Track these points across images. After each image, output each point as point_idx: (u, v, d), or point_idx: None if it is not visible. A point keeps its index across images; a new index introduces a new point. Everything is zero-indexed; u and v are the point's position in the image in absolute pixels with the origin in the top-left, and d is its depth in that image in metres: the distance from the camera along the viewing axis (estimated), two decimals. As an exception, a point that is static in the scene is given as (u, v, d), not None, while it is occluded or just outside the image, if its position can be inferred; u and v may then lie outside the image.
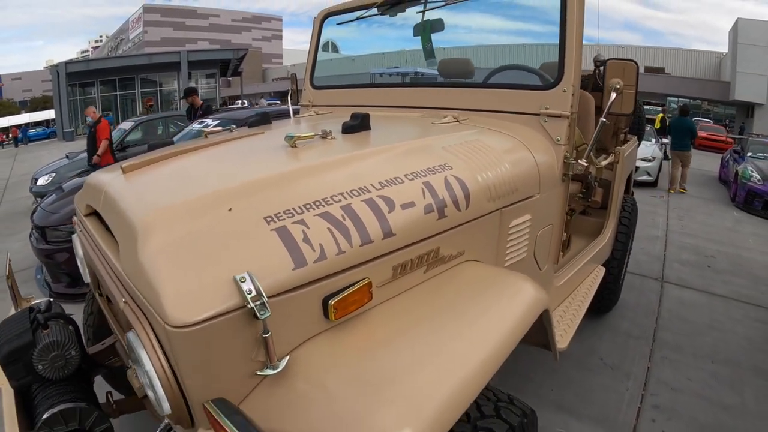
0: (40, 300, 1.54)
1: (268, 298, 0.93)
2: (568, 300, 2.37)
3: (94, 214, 1.57)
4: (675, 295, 4.30)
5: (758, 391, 2.92)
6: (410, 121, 2.12)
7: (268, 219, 1.08)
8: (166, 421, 1.30)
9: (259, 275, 0.95)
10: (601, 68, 3.55)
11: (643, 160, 9.45)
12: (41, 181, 7.25)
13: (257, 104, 23.32)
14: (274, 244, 1.04)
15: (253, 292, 0.92)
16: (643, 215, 7.20)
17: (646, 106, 24.26)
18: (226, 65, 30.22)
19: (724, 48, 32.71)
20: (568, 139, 1.86)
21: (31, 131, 33.65)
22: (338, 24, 2.69)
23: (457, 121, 1.95)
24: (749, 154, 10.22)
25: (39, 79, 67.54)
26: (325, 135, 1.63)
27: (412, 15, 2.45)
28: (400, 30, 2.58)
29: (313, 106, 2.79)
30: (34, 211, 5.91)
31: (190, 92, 7.42)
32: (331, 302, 1.07)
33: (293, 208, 1.12)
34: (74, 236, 1.79)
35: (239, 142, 1.75)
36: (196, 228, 1.05)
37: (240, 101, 30.86)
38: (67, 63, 26.87)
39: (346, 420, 0.90)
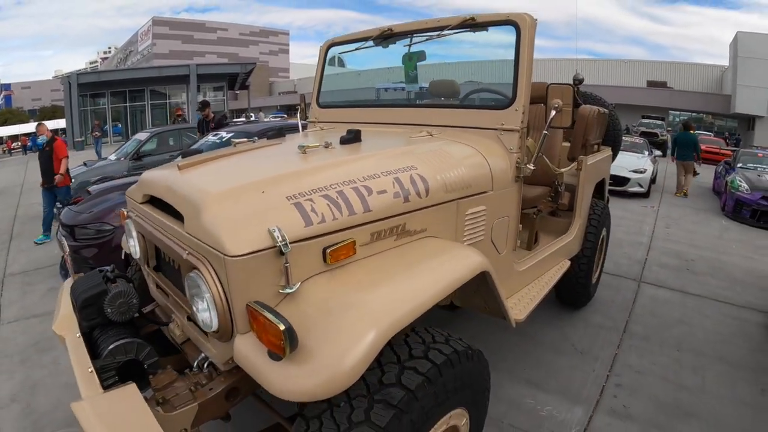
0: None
1: (288, 243, 1.41)
2: (533, 284, 2.81)
3: (149, 201, 2.01)
4: (650, 293, 4.64)
5: (718, 376, 3.25)
6: (393, 135, 2.60)
7: (288, 197, 1.58)
8: (203, 354, 1.70)
9: (283, 229, 1.44)
10: (579, 86, 3.97)
11: (635, 171, 9.84)
12: (60, 187, 7.63)
13: (255, 118, 24.11)
14: (292, 212, 1.54)
15: (280, 238, 1.41)
16: (631, 223, 7.59)
17: (645, 120, 24.69)
18: (234, 78, 30.87)
19: (726, 61, 33.04)
20: (519, 148, 2.34)
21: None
22: (340, 53, 3.21)
23: (431, 135, 2.44)
24: (739, 164, 10.56)
25: (48, 89, 68.69)
26: (327, 145, 2.12)
27: (400, 47, 2.98)
28: (391, 54, 3.06)
29: (318, 122, 3.30)
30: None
31: (205, 105, 7.91)
32: (328, 251, 1.56)
33: (305, 191, 1.63)
34: (127, 221, 2.18)
35: (264, 149, 2.28)
36: (241, 203, 1.53)
37: (245, 115, 31.46)
38: (79, 74, 27.62)
39: (333, 326, 1.36)
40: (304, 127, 3.33)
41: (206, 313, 1.49)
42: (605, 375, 3.17)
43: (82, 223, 4.39)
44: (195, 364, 1.76)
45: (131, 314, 1.78)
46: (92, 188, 5.12)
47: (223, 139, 5.42)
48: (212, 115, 7.81)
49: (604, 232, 4.03)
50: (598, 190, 4.06)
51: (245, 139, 2.43)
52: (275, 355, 1.32)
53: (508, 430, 2.61)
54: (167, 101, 30.18)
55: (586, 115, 3.36)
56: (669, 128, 27.61)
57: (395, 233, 1.82)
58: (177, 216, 1.69)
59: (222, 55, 64.45)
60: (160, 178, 1.94)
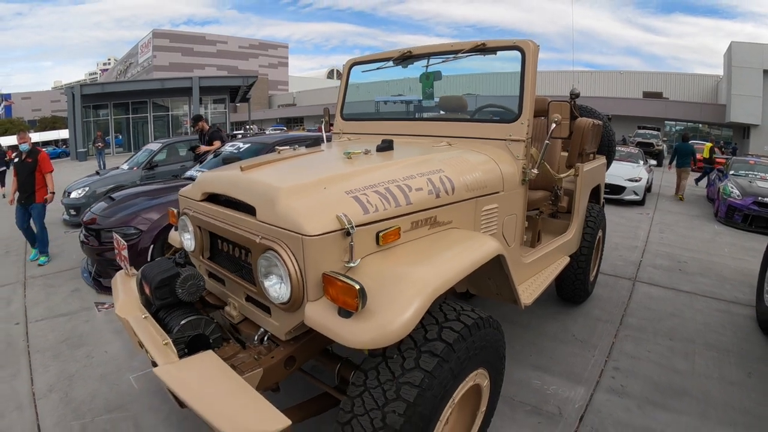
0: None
1: (354, 226, 1.73)
2: (537, 275, 3.13)
3: (208, 199, 2.30)
4: (644, 291, 4.92)
5: (708, 360, 3.53)
6: (419, 145, 2.93)
7: (347, 192, 1.91)
8: (262, 329, 1.97)
9: (349, 215, 1.76)
10: (575, 99, 4.28)
11: (631, 180, 10.15)
12: (74, 195, 7.87)
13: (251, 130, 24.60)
14: (352, 204, 1.86)
15: (347, 222, 1.73)
16: (627, 229, 7.88)
17: (641, 130, 25.08)
18: (236, 91, 31.19)
19: (722, 71, 33.50)
20: (525, 155, 2.71)
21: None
22: (363, 72, 3.53)
23: (450, 144, 2.83)
24: (731, 172, 10.88)
25: (48, 99, 68.93)
26: (367, 152, 2.48)
27: (418, 66, 3.32)
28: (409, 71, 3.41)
29: (343, 133, 3.64)
30: (68, 215, 6.92)
31: (198, 120, 8.13)
32: (381, 235, 1.89)
33: (359, 187, 1.96)
34: (182, 218, 2.42)
35: (311, 155, 2.64)
36: (309, 196, 1.85)
37: (244, 128, 31.73)
38: (83, 85, 27.85)
39: (388, 292, 1.66)
40: (329, 139, 3.63)
41: (278, 287, 1.79)
42: (604, 360, 3.44)
43: (109, 227, 4.64)
44: (255, 337, 2.03)
45: (199, 294, 2.06)
46: (116, 195, 5.38)
47: (241, 150, 5.69)
48: (207, 127, 7.98)
49: (600, 233, 4.33)
50: (594, 194, 4.37)
51: (287, 147, 2.72)
52: (346, 312, 1.61)
53: (519, 405, 2.88)
54: (169, 113, 30.45)
55: (583, 127, 3.69)
56: (665, 138, 28.05)
57: (429, 223, 2.15)
58: (242, 209, 1.99)
59: (221, 68, 64.94)
60: (224, 178, 2.24)
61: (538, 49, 2.70)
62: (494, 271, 2.29)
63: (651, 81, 38.15)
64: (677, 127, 35.04)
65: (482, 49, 2.87)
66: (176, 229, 2.70)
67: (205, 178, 2.38)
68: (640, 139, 22.48)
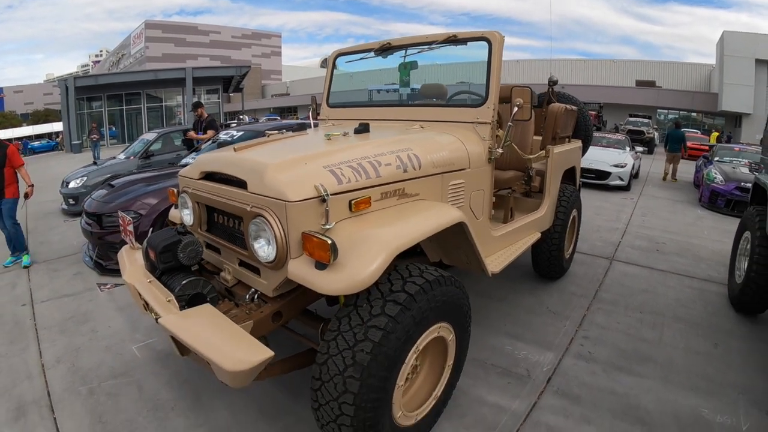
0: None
1: (329, 194, 1.99)
2: (507, 248, 3.39)
3: (205, 177, 2.54)
4: (620, 269, 5.18)
5: (675, 332, 3.77)
6: (394, 128, 3.19)
7: (324, 166, 2.17)
8: (253, 289, 2.22)
9: (324, 185, 2.01)
10: (553, 87, 4.51)
11: (616, 166, 10.41)
12: (72, 184, 8.07)
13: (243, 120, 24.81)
14: (329, 176, 2.12)
15: (323, 191, 1.99)
16: (610, 213, 8.14)
17: (632, 118, 25.36)
18: (229, 81, 31.19)
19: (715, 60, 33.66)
20: (491, 136, 2.98)
21: (35, 143, 34.18)
22: (346, 62, 3.80)
23: (422, 127, 3.10)
24: (716, 158, 11.13)
25: (41, 92, 68.31)
26: (345, 134, 2.76)
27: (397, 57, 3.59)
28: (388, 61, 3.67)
29: (329, 119, 3.88)
30: (66, 205, 6.95)
31: (198, 106, 8.34)
32: (352, 203, 2.15)
33: (335, 163, 2.22)
34: (182, 195, 2.67)
35: (296, 138, 2.89)
36: (292, 170, 2.12)
37: (238, 117, 31.76)
38: (76, 77, 27.84)
39: (357, 249, 1.91)
40: (316, 125, 3.91)
41: (266, 248, 2.06)
42: (574, 330, 3.70)
43: (110, 211, 4.86)
44: (247, 296, 2.29)
45: (197, 259, 2.33)
46: (115, 182, 5.60)
47: (234, 137, 5.93)
48: (206, 115, 8.24)
49: (574, 213, 4.57)
50: (570, 176, 4.60)
51: (276, 131, 2.94)
52: (321, 265, 1.87)
53: (491, 368, 3.14)
54: (163, 104, 30.48)
55: (555, 112, 3.94)
56: (656, 126, 28.28)
57: (397, 194, 2.42)
58: (235, 184, 2.24)
59: (215, 58, 64.63)
60: (220, 158, 2.51)
61: (503, 40, 2.95)
62: (461, 241, 2.54)
63: (644, 70, 38.26)
64: (670, 116, 35.31)
65: (454, 41, 3.13)
66: (176, 207, 2.95)
67: (203, 158, 2.62)
68: (631, 127, 22.73)
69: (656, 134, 25.91)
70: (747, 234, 4.38)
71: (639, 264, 5.37)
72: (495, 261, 3.07)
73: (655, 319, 3.97)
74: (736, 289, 4.24)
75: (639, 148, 13.00)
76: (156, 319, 2.09)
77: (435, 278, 2.08)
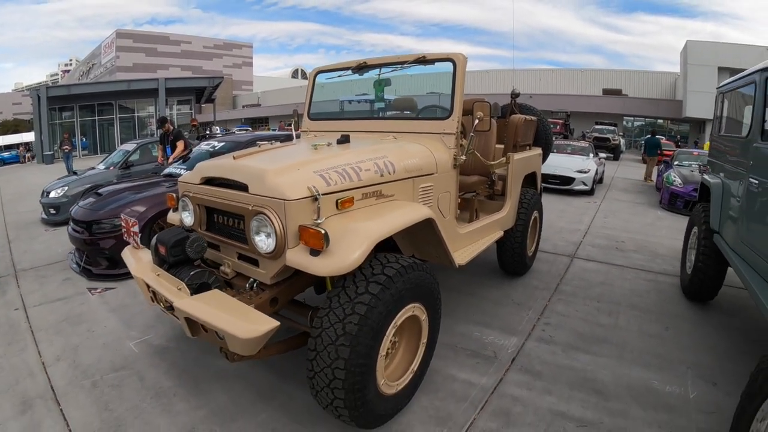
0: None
1: (320, 194, 2.33)
2: (473, 245, 3.79)
3: (206, 183, 2.84)
4: (580, 265, 5.62)
5: (629, 317, 4.18)
6: (370, 138, 3.55)
7: (315, 171, 2.51)
8: (252, 279, 2.53)
9: (315, 188, 2.34)
10: (516, 99, 4.95)
11: (580, 172, 10.99)
12: (53, 194, 8.17)
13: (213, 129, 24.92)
14: (319, 179, 2.46)
15: (315, 191, 2.33)
16: (573, 216, 8.64)
17: (598, 126, 26.30)
18: (201, 92, 31.18)
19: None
20: (455, 145, 3.39)
21: (5, 154, 33.26)
22: (326, 79, 4.19)
23: (395, 138, 3.48)
24: (676, 162, 11.82)
25: (10, 102, 66.79)
26: (329, 144, 3.11)
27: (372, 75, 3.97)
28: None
29: (310, 131, 4.23)
30: (47, 214, 7.24)
31: (164, 122, 8.80)
32: (339, 202, 2.50)
33: (324, 168, 2.56)
34: (183, 199, 2.95)
35: (286, 147, 3.27)
36: (288, 174, 2.45)
37: (210, 128, 31.74)
38: (48, 87, 27.46)
39: (344, 239, 2.25)
40: (298, 135, 4.27)
41: (266, 241, 2.38)
42: (537, 318, 4.09)
43: (99, 219, 5.07)
44: (247, 285, 2.61)
45: (202, 253, 2.64)
46: (102, 190, 5.79)
47: (216, 148, 6.24)
48: (171, 128, 8.65)
49: (536, 214, 5.01)
50: (531, 181, 5.04)
51: (266, 142, 3.30)
52: (315, 252, 2.21)
53: (461, 351, 3.50)
54: (135, 114, 30.24)
55: (516, 122, 4.37)
56: (621, 133, 29.31)
57: (376, 195, 2.79)
58: (234, 187, 2.57)
59: (186, 68, 64.27)
60: (221, 165, 2.82)
61: (466, 60, 3.38)
62: (430, 236, 2.92)
63: (611, 78, 39.34)
64: (637, 123, 36.56)
65: (423, 61, 3.54)
66: (174, 211, 3.25)
67: (204, 165, 2.93)
68: (597, 134, 23.64)
69: (622, 141, 26.89)
70: (695, 229, 4.80)
71: (598, 260, 5.82)
72: (461, 255, 3.45)
73: (611, 307, 4.38)
74: (686, 279, 4.64)
75: (603, 155, 13.66)
76: (164, 308, 2.38)
77: (409, 264, 2.45)
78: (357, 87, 4.25)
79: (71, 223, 5.50)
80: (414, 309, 2.55)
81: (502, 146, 4.60)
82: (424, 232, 2.89)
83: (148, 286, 2.62)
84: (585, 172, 11.02)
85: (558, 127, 26.91)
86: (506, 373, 3.22)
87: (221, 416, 2.77)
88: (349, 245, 2.22)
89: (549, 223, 7.77)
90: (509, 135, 4.40)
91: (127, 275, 5.08)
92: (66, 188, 8.16)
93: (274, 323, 2.11)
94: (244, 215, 2.47)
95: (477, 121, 3.21)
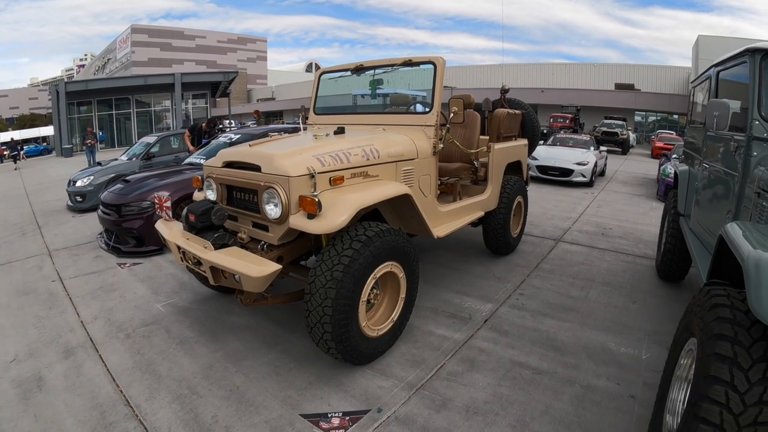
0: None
1: (316, 173, 2.92)
2: (453, 221, 4.31)
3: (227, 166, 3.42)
4: (564, 248, 6.08)
5: (601, 292, 4.59)
6: (362, 130, 4.08)
7: (313, 155, 3.06)
8: (263, 242, 3.10)
9: (313, 168, 2.94)
10: (505, 95, 5.44)
11: (579, 164, 11.40)
12: (79, 183, 8.83)
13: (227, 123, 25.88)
14: (316, 161, 3.02)
15: (312, 170, 2.93)
16: (568, 205, 9.04)
17: (607, 120, 26.46)
18: (216, 87, 31.91)
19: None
20: (435, 135, 3.94)
21: (27, 148, 34.21)
22: (329, 79, 4.83)
23: (384, 129, 4.02)
24: (674, 155, 12.08)
25: (26, 97, 68.26)
26: (327, 135, 3.63)
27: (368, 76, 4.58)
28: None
29: (315, 124, 4.83)
30: (73, 202, 7.96)
31: (214, 122, 10.43)
32: (332, 179, 3.06)
33: (321, 153, 3.10)
34: (208, 179, 3.53)
35: (292, 137, 3.85)
36: (293, 158, 3.00)
37: (223, 122, 32.49)
38: (67, 82, 28.33)
39: (334, 207, 2.84)
40: (305, 128, 4.86)
41: (274, 209, 2.94)
42: (513, 289, 4.59)
43: (127, 202, 5.69)
44: (259, 246, 3.19)
45: (224, 221, 3.24)
46: (130, 177, 6.45)
47: (232, 140, 6.90)
48: (214, 126, 10.05)
49: (519, 199, 5.51)
50: (516, 169, 5.53)
51: (277, 134, 3.91)
52: (311, 215, 2.76)
53: (441, 312, 4.04)
54: (152, 109, 31.11)
55: (498, 116, 4.87)
56: (630, 128, 29.40)
57: (363, 175, 3.33)
58: (250, 169, 3.14)
59: (200, 63, 65.19)
60: (239, 151, 3.44)
61: (444, 63, 3.95)
62: (411, 212, 3.48)
63: (624, 73, 39.18)
64: (651, 117, 36.50)
65: (409, 64, 4.17)
66: (200, 190, 3.85)
67: (225, 152, 3.53)
68: (605, 129, 23.88)
69: (632, 136, 26.98)
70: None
71: (582, 244, 6.26)
72: (441, 229, 4.00)
73: (585, 283, 4.80)
74: (659, 260, 5.01)
75: (604, 148, 13.99)
76: (192, 265, 2.97)
77: (387, 229, 3.02)
78: (356, 85, 4.85)
79: (101, 207, 6.13)
80: (392, 267, 3.10)
81: (487, 137, 5.12)
82: (406, 207, 3.45)
83: (179, 248, 3.22)
84: (584, 164, 11.41)
85: (567, 121, 27.18)
86: (477, 330, 3.73)
87: (234, 357, 3.35)
88: (338, 211, 2.78)
89: (542, 212, 8.21)
90: (492, 127, 4.93)
91: (153, 252, 5.73)
92: (92, 177, 8.82)
93: (278, 266, 2.72)
94: (258, 190, 3.03)
95: (452, 114, 3.77)
